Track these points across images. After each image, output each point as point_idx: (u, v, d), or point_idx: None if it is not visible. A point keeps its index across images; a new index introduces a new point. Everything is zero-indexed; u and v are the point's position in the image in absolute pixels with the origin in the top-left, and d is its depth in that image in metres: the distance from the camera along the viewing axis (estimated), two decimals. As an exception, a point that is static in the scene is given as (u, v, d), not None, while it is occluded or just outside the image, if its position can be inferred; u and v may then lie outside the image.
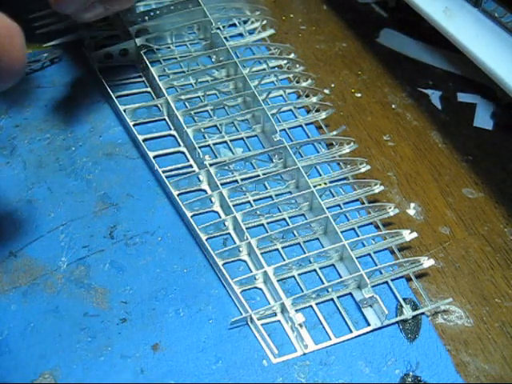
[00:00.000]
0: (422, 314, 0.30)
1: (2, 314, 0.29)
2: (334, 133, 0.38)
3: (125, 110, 0.37)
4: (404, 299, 0.31)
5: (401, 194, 0.36)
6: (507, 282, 0.32)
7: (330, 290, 0.31)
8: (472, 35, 0.38)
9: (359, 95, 0.43)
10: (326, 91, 0.41)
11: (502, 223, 0.35)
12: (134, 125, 0.37)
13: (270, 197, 0.35)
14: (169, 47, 0.42)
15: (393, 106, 0.42)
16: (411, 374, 0.28)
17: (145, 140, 0.36)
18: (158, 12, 0.41)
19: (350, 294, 0.31)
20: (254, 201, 0.34)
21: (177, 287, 0.30)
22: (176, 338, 0.29)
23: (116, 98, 0.38)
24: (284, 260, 0.32)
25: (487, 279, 0.32)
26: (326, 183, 0.36)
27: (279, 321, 0.30)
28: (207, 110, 0.39)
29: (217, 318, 0.29)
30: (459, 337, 0.30)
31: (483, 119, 0.42)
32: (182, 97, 0.38)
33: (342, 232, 0.32)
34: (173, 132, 0.37)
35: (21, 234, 0.32)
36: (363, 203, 0.35)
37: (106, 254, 0.32)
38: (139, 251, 0.32)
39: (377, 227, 0.34)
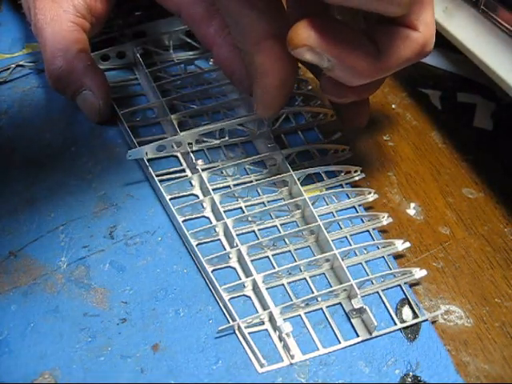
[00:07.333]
0: (424, 321, 0.30)
1: (2, 313, 0.29)
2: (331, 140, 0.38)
3: (122, 113, 0.37)
4: (403, 299, 0.31)
5: (401, 194, 0.36)
6: (507, 281, 0.32)
7: (319, 299, 0.30)
8: (472, 35, 0.38)
9: (359, 95, 0.43)
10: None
11: (502, 223, 0.35)
12: (129, 127, 0.36)
13: (263, 203, 0.34)
14: (166, 50, 0.42)
15: (393, 106, 0.42)
16: (411, 374, 0.28)
17: (140, 143, 0.36)
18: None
19: (340, 303, 0.31)
20: (246, 207, 0.34)
21: (177, 287, 0.30)
22: (176, 338, 0.29)
23: (113, 100, 0.38)
24: (274, 268, 0.31)
25: (487, 279, 0.32)
26: (321, 190, 0.35)
27: (267, 330, 0.29)
28: (202, 114, 0.38)
29: (217, 318, 0.29)
30: (459, 337, 0.30)
31: (483, 119, 0.42)
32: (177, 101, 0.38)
33: (334, 241, 0.31)
34: (167, 135, 0.37)
35: (21, 233, 0.32)
36: (357, 211, 0.35)
37: (106, 254, 0.32)
38: (139, 251, 0.32)
39: (371, 235, 0.34)
